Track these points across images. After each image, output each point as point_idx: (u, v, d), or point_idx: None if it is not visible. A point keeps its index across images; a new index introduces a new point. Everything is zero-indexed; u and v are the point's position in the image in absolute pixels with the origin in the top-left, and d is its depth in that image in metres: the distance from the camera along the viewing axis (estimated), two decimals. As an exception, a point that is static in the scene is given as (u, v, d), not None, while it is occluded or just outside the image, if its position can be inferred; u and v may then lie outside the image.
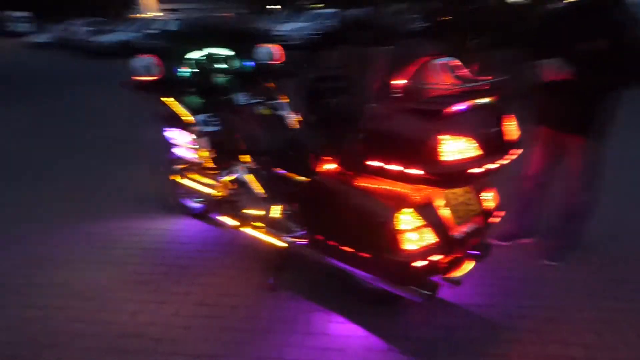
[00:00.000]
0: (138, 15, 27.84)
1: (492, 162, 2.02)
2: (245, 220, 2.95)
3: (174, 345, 2.37)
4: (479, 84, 2.06)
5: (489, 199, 2.42)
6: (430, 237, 2.08)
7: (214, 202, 3.12)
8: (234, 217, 3.03)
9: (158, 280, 2.92)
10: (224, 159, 3.01)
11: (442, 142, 1.89)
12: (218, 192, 3.07)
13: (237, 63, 3.36)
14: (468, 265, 2.34)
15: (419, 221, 2.05)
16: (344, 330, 2.44)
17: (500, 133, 2.10)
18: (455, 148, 1.91)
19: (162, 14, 27.01)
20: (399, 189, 2.12)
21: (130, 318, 2.57)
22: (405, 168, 1.96)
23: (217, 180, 3.07)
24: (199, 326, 2.51)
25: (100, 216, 3.79)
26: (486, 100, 2.06)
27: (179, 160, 3.31)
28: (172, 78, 3.04)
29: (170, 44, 15.73)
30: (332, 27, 15.55)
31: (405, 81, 2.02)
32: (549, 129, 2.99)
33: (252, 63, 3.42)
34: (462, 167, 1.93)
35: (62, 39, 23.37)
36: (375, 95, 2.05)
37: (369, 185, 2.16)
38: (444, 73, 2.09)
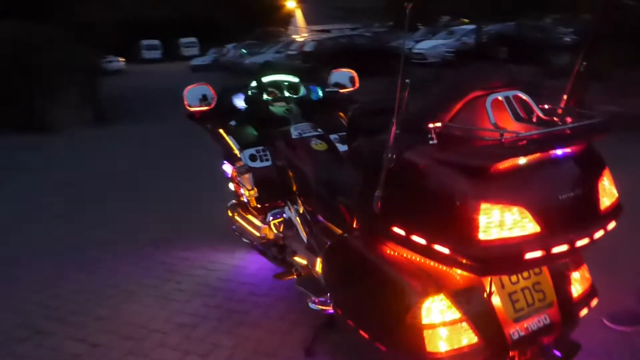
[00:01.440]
0: (292, 36, 29.32)
1: (567, 241, 1.41)
2: (291, 269, 2.61)
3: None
4: (556, 128, 1.46)
5: (573, 281, 1.75)
6: (468, 337, 1.51)
7: (261, 245, 2.83)
8: (279, 263, 2.71)
9: (196, 323, 2.72)
10: (270, 198, 2.70)
11: (482, 212, 1.34)
12: (264, 234, 2.78)
13: (301, 90, 3.04)
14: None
15: (452, 313, 1.51)
16: None
17: (585, 199, 1.47)
18: (500, 221, 1.34)
19: (310, 34, 28.14)
20: (432, 266, 1.58)
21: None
22: (430, 243, 1.45)
23: (263, 222, 2.78)
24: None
25: (174, 244, 3.76)
26: (564, 149, 1.45)
27: (233, 194, 3.09)
28: (227, 108, 2.84)
29: (306, 64, 16.24)
30: (467, 44, 14.57)
31: (441, 123, 1.50)
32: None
33: (318, 90, 3.09)
34: (510, 250, 1.35)
35: (218, 61, 25.66)
36: (406, 138, 1.55)
37: (397, 257, 1.65)
38: (504, 112, 1.53)
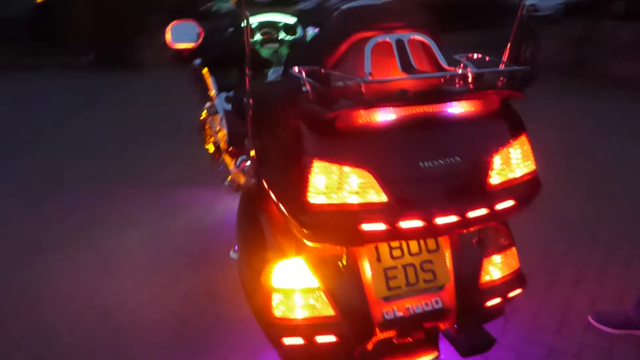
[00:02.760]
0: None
1: (423, 218, 1.20)
2: None
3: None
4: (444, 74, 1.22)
5: (489, 265, 1.52)
6: (325, 308, 1.38)
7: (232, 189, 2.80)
8: None
9: (171, 257, 2.82)
10: (238, 142, 2.64)
11: (314, 171, 1.18)
12: (233, 178, 2.74)
13: (298, 32, 2.87)
14: (421, 358, 1.52)
15: (310, 280, 1.38)
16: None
17: (463, 169, 1.23)
18: (330, 184, 1.18)
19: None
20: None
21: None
22: (278, 201, 1.32)
23: (234, 166, 2.73)
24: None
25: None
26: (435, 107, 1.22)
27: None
28: (212, 46, 2.76)
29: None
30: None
31: (319, 67, 1.33)
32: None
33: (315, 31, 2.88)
34: (343, 219, 1.18)
35: (322, 6, 25.31)
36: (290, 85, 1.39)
37: (274, 212, 1.52)
38: (391, 58, 1.31)
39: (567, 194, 3.45)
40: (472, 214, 1.24)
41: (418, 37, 1.35)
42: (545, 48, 8.54)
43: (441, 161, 1.20)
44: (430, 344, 1.55)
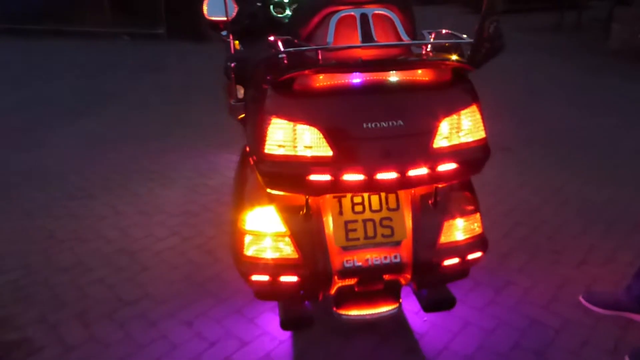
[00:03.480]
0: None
1: (364, 172, 1.34)
2: None
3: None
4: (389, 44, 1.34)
5: (450, 228, 1.62)
6: (289, 251, 1.57)
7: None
8: None
9: (199, 213, 3.11)
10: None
11: (271, 126, 1.35)
12: None
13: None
14: (381, 308, 1.67)
15: (278, 226, 1.57)
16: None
17: (406, 132, 1.36)
18: (285, 138, 1.34)
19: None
20: None
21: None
22: (251, 154, 1.50)
23: None
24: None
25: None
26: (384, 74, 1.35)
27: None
28: (238, 19, 2.95)
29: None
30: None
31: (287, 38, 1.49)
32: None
33: None
34: (290, 169, 1.35)
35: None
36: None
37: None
38: (354, 30, 1.44)
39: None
40: (412, 173, 1.36)
41: (382, 12, 1.46)
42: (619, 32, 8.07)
43: (384, 124, 1.33)
44: (391, 295, 1.69)
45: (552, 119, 4.95)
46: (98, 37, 9.78)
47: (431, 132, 1.38)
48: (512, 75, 7.13)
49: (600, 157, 3.91)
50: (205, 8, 2.86)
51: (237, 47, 3.00)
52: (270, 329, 2.12)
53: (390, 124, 1.34)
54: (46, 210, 3.18)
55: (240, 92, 1.70)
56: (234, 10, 2.88)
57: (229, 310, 2.24)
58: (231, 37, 1.54)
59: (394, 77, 1.39)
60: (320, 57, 1.34)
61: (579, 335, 2.09)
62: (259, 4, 2.93)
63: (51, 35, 9.96)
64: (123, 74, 7.08)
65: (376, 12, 1.46)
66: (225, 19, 2.87)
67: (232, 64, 1.58)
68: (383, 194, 1.58)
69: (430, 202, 1.59)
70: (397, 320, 2.17)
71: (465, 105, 1.42)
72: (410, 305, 2.23)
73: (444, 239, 1.63)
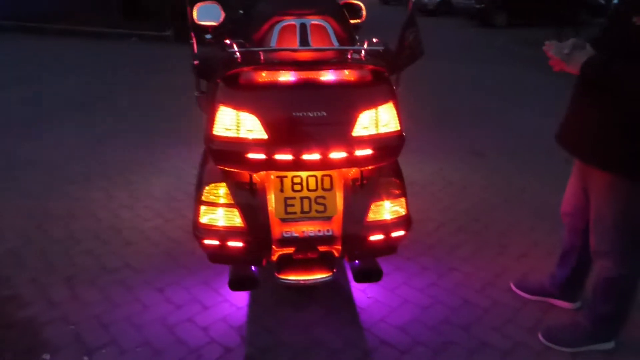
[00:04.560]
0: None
1: (292, 153, 1.63)
2: None
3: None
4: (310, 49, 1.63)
5: (377, 208, 1.90)
6: (235, 220, 1.86)
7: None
8: None
9: (184, 198, 3.41)
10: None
11: (219, 112, 1.65)
12: None
13: None
14: (316, 275, 1.94)
15: (228, 199, 1.86)
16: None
17: (330, 121, 1.64)
18: (230, 122, 1.64)
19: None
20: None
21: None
22: (205, 138, 1.79)
23: None
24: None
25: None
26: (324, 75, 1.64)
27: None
28: (230, 23, 3.25)
29: (482, 5, 15.20)
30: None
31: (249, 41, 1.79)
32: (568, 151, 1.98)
33: None
34: (233, 148, 1.64)
35: (405, -5, 25.22)
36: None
37: None
38: (294, 36, 1.74)
39: None
40: (333, 156, 1.65)
41: (318, 22, 1.75)
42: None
43: (310, 113, 1.62)
44: (326, 265, 1.96)
45: (527, 127, 5.21)
46: (108, 38, 10.20)
47: (350, 123, 1.67)
48: (500, 85, 7.40)
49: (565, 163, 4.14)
50: (195, 13, 3.18)
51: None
52: (230, 297, 2.41)
53: (315, 114, 1.63)
54: (47, 193, 3.50)
55: (205, 86, 2.00)
56: (221, 16, 3.20)
57: (198, 281, 2.53)
58: (194, 38, 1.83)
59: (322, 76, 1.68)
60: (262, 57, 1.64)
61: (504, 315, 2.35)
62: (241, 11, 3.24)
63: (63, 34, 10.43)
64: (130, 73, 7.45)
65: (313, 22, 1.75)
66: (214, 23, 3.21)
67: (196, 62, 1.88)
68: (319, 176, 1.87)
69: (357, 184, 1.87)
70: (344, 296, 2.45)
71: (383, 101, 1.70)
72: (358, 284, 2.50)
73: (371, 216, 1.91)
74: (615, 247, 1.91)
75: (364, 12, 3.28)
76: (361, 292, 2.48)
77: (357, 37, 2.37)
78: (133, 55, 8.98)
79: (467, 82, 7.62)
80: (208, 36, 3.34)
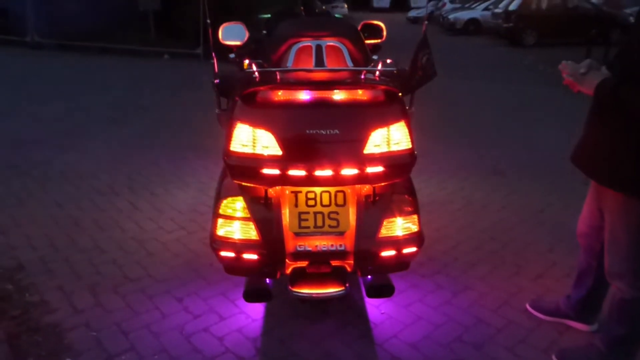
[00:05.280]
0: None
1: (305, 169, 1.69)
2: None
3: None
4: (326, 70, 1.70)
5: (389, 225, 1.94)
6: (252, 234, 1.92)
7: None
8: None
9: (206, 212, 3.50)
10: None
11: (236, 129, 1.73)
12: None
13: None
14: (329, 289, 1.98)
15: (244, 213, 1.93)
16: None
17: (342, 139, 1.70)
18: (246, 139, 1.71)
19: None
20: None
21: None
22: (224, 153, 1.87)
23: None
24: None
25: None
26: (341, 94, 1.70)
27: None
28: (253, 43, 3.37)
29: (510, 24, 15.16)
30: None
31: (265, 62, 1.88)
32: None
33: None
34: (249, 163, 1.71)
35: (433, 14, 25.35)
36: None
37: None
38: (310, 57, 1.81)
39: None
40: (345, 172, 1.70)
41: (334, 43, 1.83)
42: None
43: (323, 131, 1.69)
44: (338, 279, 2.00)
45: (550, 147, 5.16)
46: (141, 55, 10.57)
47: (362, 140, 1.72)
48: (525, 105, 7.35)
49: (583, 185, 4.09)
50: (220, 33, 3.31)
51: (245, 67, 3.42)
52: (246, 309, 2.46)
53: (328, 132, 1.69)
54: (75, 203, 3.65)
55: (225, 104, 2.09)
56: (245, 36, 3.32)
57: (216, 292, 2.60)
58: (214, 58, 1.93)
59: (336, 95, 1.74)
60: (278, 77, 1.72)
61: (518, 335, 2.33)
62: (264, 31, 3.36)
63: (103, 52, 10.87)
64: (161, 90, 7.71)
65: (329, 43, 1.83)
66: (238, 43, 3.33)
67: (217, 81, 1.97)
68: (332, 192, 1.93)
69: (370, 200, 1.92)
70: (357, 310, 2.48)
71: (395, 120, 1.75)
72: (371, 299, 2.52)
73: (383, 232, 1.95)
74: (629, 269, 1.90)
75: (384, 33, 3.35)
76: (375, 308, 2.50)
77: (375, 57, 2.45)
78: (165, 72, 9.28)
79: (492, 101, 7.61)
80: (232, 55, 3.47)
